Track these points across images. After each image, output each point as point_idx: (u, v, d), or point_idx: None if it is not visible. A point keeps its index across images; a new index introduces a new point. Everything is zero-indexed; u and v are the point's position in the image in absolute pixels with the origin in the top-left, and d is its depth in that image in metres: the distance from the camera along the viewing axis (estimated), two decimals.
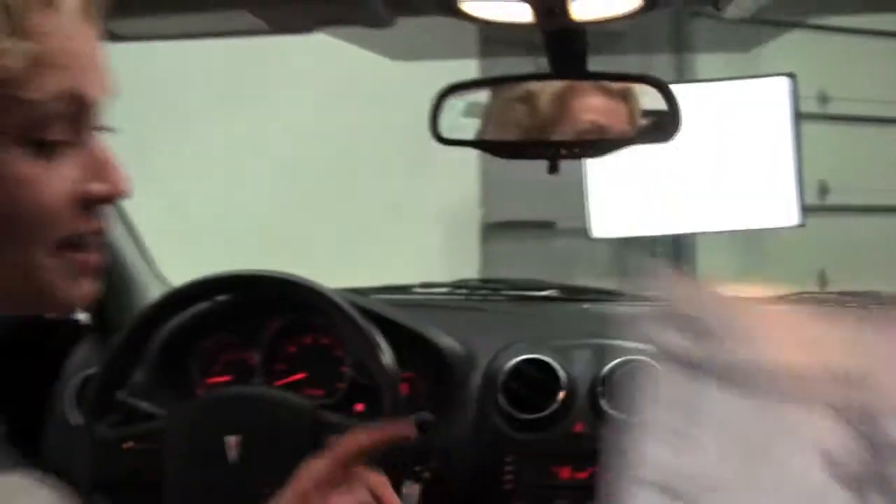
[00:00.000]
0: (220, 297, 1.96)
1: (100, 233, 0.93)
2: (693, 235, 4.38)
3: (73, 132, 0.88)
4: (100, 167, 0.90)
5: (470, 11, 1.24)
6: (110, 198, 0.91)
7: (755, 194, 2.62)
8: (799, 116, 2.56)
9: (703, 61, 4.60)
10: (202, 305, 1.95)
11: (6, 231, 0.86)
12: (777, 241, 4.29)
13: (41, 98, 0.84)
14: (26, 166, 0.85)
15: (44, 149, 0.86)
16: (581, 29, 1.31)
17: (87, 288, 0.93)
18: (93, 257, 0.93)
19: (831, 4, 1.62)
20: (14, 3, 0.82)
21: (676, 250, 4.75)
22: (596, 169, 2.67)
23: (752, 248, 4.48)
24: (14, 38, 0.82)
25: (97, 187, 0.90)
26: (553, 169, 1.47)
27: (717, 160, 2.64)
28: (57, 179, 0.87)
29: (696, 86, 2.91)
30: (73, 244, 0.90)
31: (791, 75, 2.57)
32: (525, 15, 1.23)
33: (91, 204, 0.90)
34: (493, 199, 4.57)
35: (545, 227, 4.70)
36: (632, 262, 4.73)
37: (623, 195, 2.72)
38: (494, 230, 4.68)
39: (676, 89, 2.70)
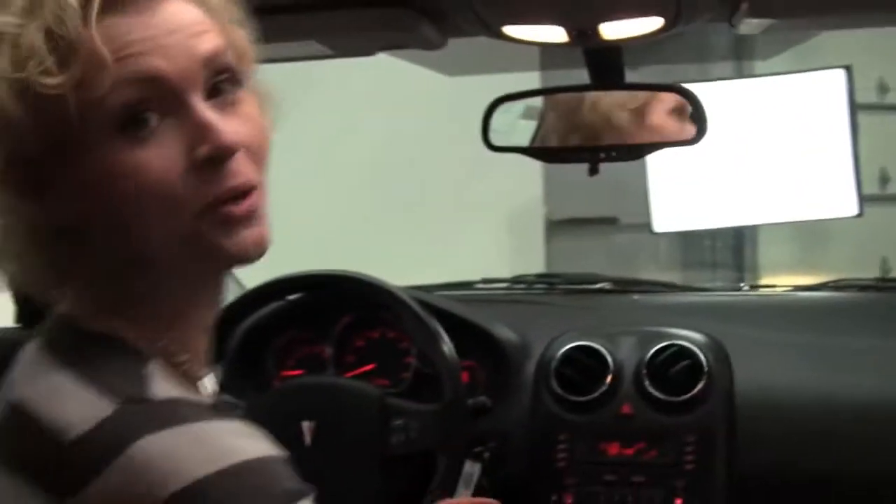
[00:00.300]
0: (292, 296, 2.02)
1: (236, 187, 0.90)
2: (755, 227, 4.36)
3: (163, 109, 0.88)
4: (199, 130, 0.88)
5: (511, 34, 1.33)
6: (219, 156, 0.89)
7: (814, 186, 2.60)
8: (855, 108, 2.54)
9: (762, 55, 4.57)
10: (275, 304, 2.02)
11: (148, 212, 0.88)
12: (839, 231, 4.25)
13: (104, 93, 0.85)
14: (128, 155, 0.87)
15: (136, 134, 0.87)
16: (615, 46, 1.41)
17: (251, 235, 0.92)
18: (239, 208, 0.91)
19: (834, 21, 1.69)
20: (55, 25, 0.84)
21: (738, 242, 4.77)
22: (657, 164, 2.67)
23: (814, 237, 4.45)
24: (56, 56, 0.84)
25: (203, 150, 0.88)
26: (593, 171, 1.59)
27: (776, 153, 2.62)
28: (161, 156, 0.87)
29: (754, 81, 2.90)
30: (213, 206, 0.90)
31: (847, 67, 2.54)
32: (561, 36, 1.32)
33: (206, 168, 0.89)
34: (557, 197, 4.59)
35: (608, 222, 4.71)
36: (693, 256, 4.78)
37: (684, 189, 2.71)
38: (558, 227, 4.71)
39: (736, 86, 2.73)
